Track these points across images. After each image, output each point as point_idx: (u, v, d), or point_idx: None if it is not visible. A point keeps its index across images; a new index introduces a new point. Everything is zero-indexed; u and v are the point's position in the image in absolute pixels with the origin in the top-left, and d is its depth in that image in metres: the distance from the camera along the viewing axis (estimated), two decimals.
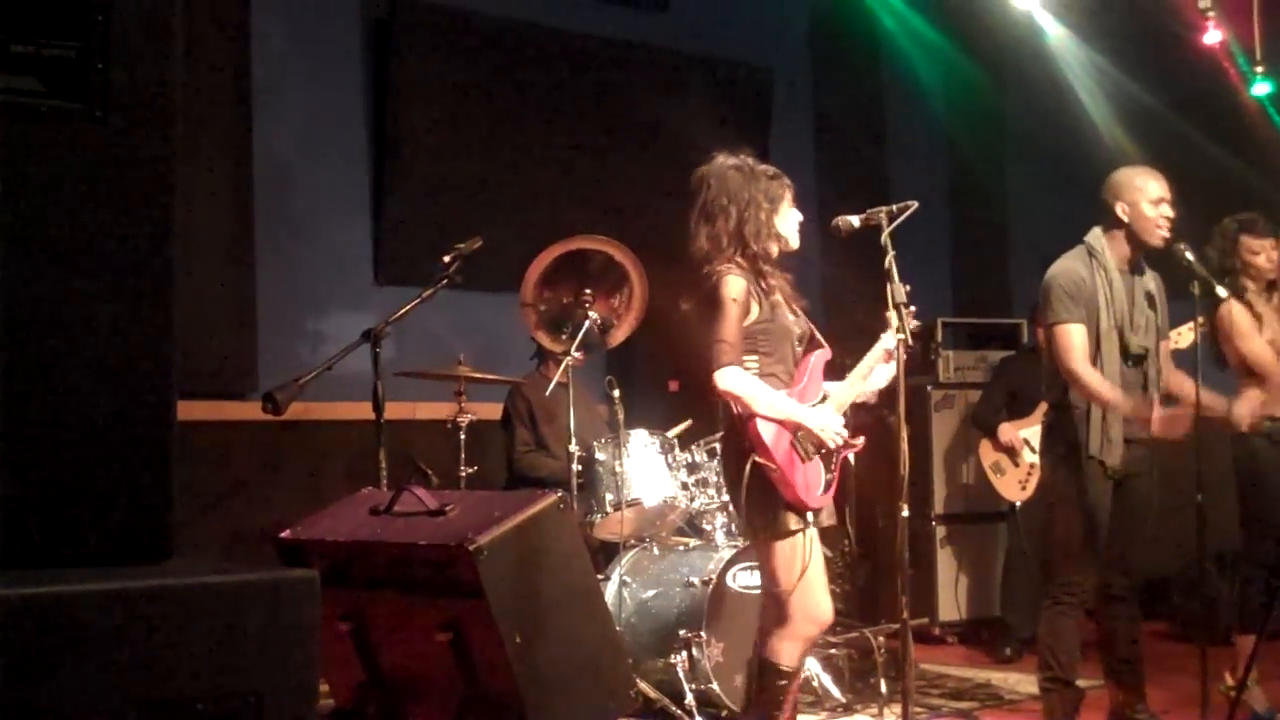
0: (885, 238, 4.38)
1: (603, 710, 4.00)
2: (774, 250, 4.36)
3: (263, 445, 6.82)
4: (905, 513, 4.34)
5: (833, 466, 4.31)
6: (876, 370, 4.48)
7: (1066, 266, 5.06)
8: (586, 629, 3.93)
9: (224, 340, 6.73)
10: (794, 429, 4.20)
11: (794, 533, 4.20)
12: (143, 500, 2.59)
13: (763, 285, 4.29)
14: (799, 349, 4.41)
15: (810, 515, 4.24)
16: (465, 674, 3.79)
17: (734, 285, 4.20)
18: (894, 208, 4.45)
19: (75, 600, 2.20)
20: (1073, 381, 4.95)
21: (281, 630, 2.39)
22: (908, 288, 4.31)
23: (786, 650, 4.28)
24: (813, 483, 4.24)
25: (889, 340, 4.39)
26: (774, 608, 4.31)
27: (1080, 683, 5.10)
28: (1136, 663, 5.16)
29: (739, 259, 4.28)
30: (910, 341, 4.32)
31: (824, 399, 4.38)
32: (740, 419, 4.21)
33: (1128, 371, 5.00)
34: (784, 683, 4.28)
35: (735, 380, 4.15)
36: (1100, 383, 4.90)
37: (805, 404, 4.28)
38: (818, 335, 4.46)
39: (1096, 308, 4.96)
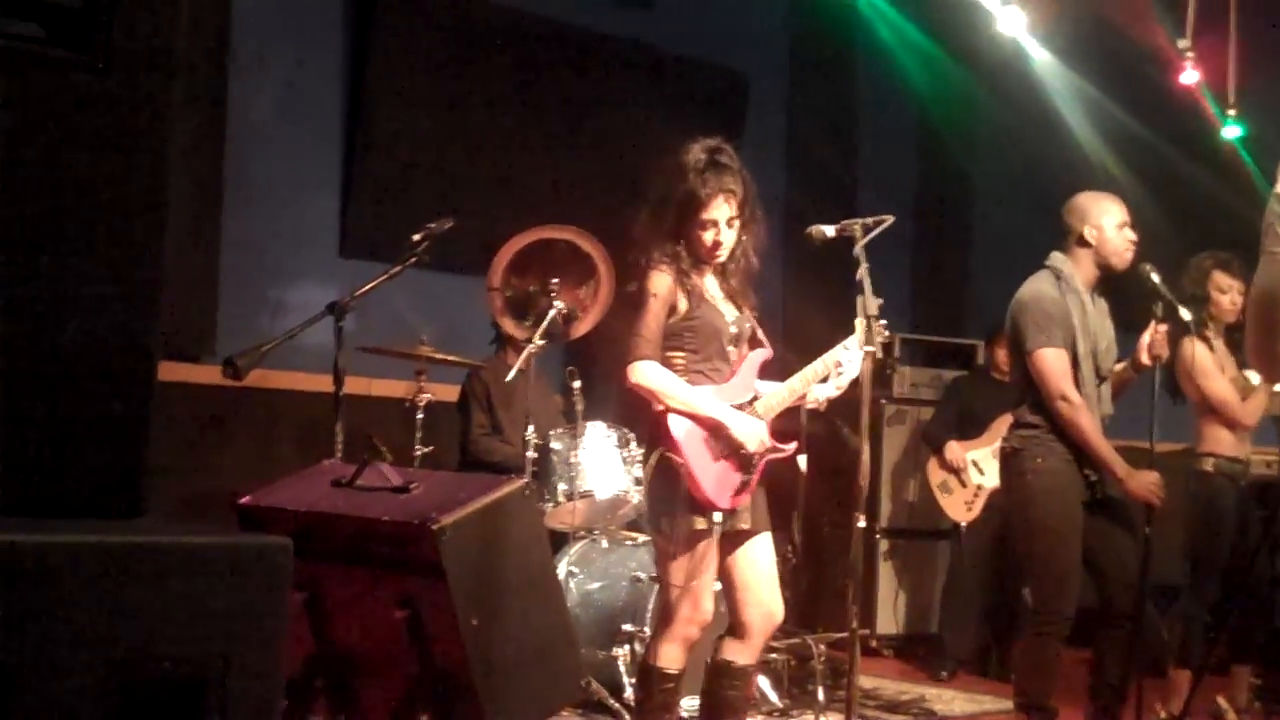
0: (859, 250, 4.36)
1: (551, 698, 4.01)
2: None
3: (215, 410, 6.76)
4: (861, 523, 4.34)
5: (752, 469, 4.25)
6: (815, 387, 4.41)
7: (1039, 290, 4.98)
8: (542, 617, 3.92)
9: (184, 302, 6.65)
10: (712, 427, 4.19)
11: (697, 533, 4.17)
12: (119, 456, 2.57)
13: (690, 281, 4.26)
14: (733, 347, 4.35)
15: (720, 516, 4.17)
16: (418, 652, 3.77)
17: (658, 281, 4.21)
18: (869, 220, 4.43)
19: (50, 550, 2.18)
20: (1066, 409, 4.84)
21: (252, 596, 2.38)
22: (880, 301, 4.28)
23: (667, 652, 4.25)
24: (725, 482, 4.19)
25: (847, 361, 4.35)
26: (660, 607, 4.32)
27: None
28: (1123, 688, 5.00)
29: (670, 253, 4.25)
30: (879, 355, 4.33)
31: (754, 400, 4.35)
32: (653, 412, 4.22)
33: (1096, 393, 4.95)
34: (670, 685, 4.25)
35: (647, 374, 4.17)
36: (1096, 431, 4.86)
37: (728, 402, 4.25)
38: (759, 334, 4.42)
39: (1073, 331, 4.90)
